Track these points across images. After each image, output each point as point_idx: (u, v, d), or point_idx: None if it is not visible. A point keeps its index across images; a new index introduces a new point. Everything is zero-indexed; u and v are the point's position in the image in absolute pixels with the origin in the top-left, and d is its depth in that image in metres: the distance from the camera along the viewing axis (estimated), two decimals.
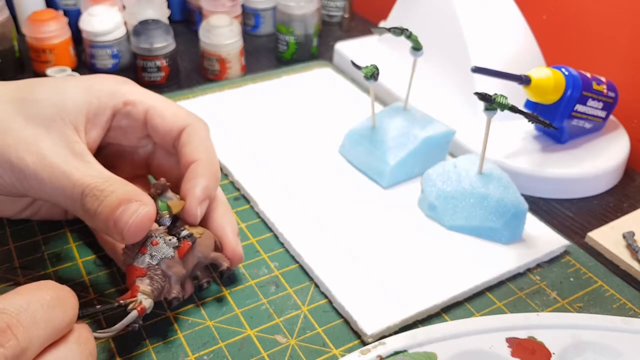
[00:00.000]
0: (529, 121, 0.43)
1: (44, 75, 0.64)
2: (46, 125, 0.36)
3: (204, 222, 0.39)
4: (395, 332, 0.38)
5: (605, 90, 0.53)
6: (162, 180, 0.36)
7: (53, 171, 0.34)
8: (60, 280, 0.40)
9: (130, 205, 0.33)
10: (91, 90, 0.38)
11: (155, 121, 0.39)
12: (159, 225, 0.36)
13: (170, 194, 0.37)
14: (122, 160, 0.43)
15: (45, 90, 0.37)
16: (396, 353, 0.34)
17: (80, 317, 0.30)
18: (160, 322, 0.38)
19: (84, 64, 0.70)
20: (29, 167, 0.34)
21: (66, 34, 0.66)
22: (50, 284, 0.28)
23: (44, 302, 0.27)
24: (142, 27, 0.64)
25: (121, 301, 0.32)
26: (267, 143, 0.55)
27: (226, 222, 0.39)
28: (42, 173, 0.34)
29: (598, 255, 0.47)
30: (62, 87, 0.38)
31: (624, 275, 0.45)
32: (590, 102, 0.53)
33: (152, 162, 0.43)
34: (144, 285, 0.33)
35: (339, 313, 0.40)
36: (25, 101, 0.36)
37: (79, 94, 0.37)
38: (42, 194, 0.35)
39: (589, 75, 0.53)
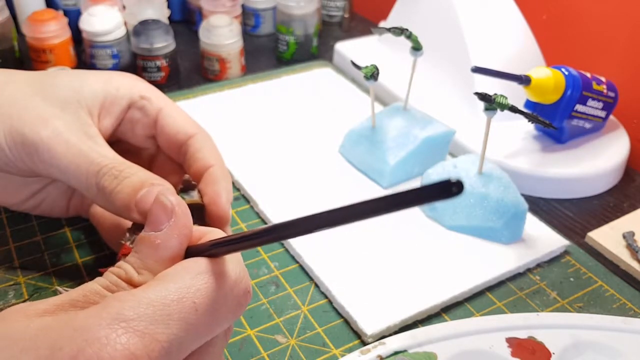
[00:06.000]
0: (529, 121, 0.43)
1: None
2: (61, 107, 0.37)
3: None
4: (395, 332, 0.38)
5: (605, 90, 0.53)
6: (186, 176, 0.37)
7: (69, 148, 0.35)
8: (61, 280, 0.40)
9: (154, 187, 0.34)
10: (111, 81, 0.39)
11: (167, 120, 0.40)
12: None
13: (194, 193, 0.37)
14: None
15: (64, 76, 0.39)
16: (396, 353, 0.34)
17: None
18: None
19: (84, 64, 0.70)
20: (43, 141, 0.35)
21: (66, 34, 0.66)
22: None
23: None
24: (142, 27, 0.64)
25: None
26: (267, 143, 0.55)
27: None
28: (57, 148, 0.35)
29: (598, 255, 0.47)
30: (82, 75, 0.39)
31: (624, 275, 0.45)
32: (590, 102, 0.53)
33: (153, 168, 0.43)
34: None
35: (339, 313, 0.40)
36: (43, 84, 0.37)
37: (97, 83, 0.39)
38: (52, 169, 0.36)
39: (589, 75, 0.53)
